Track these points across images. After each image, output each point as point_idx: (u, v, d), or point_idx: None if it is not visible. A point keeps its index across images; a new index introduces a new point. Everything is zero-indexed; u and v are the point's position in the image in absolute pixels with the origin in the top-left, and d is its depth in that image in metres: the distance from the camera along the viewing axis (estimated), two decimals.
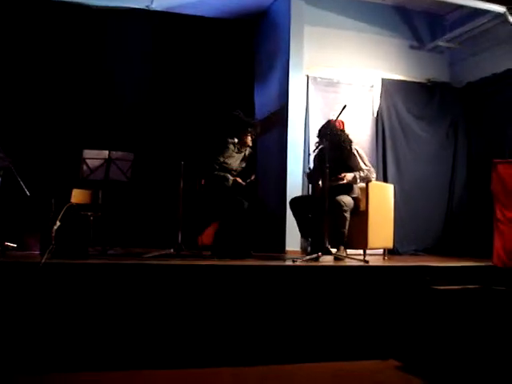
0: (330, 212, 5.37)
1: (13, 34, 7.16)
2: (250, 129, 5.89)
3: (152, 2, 7.49)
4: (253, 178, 5.85)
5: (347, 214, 5.52)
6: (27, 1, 7.13)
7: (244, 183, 5.76)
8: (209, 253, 5.74)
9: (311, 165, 6.32)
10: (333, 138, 5.57)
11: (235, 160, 5.88)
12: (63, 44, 7.35)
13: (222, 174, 5.75)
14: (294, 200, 5.87)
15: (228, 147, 5.85)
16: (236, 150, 5.90)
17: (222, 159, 5.79)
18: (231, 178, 5.74)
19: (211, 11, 7.79)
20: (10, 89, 7.09)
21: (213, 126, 6.63)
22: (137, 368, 3.84)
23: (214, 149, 5.88)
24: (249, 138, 5.94)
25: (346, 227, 5.54)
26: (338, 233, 5.53)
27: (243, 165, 5.97)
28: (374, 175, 5.86)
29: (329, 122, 5.62)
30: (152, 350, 3.93)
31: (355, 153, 5.72)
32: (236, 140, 5.90)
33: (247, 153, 6.07)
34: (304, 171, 6.92)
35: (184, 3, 7.60)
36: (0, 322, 3.69)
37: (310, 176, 6.01)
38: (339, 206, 5.46)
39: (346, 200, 5.55)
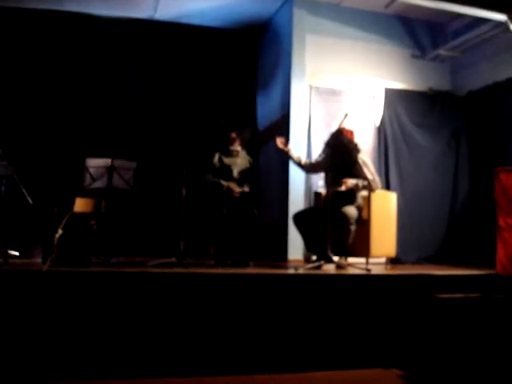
0: (335, 223, 5.38)
1: (17, 42, 7.21)
2: (234, 133, 5.98)
3: (155, 13, 7.53)
4: (246, 189, 5.89)
5: (352, 227, 5.54)
6: (31, 10, 7.16)
7: (237, 191, 5.80)
8: (213, 261, 5.76)
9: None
10: (341, 146, 5.59)
11: (236, 167, 5.96)
12: (67, 53, 7.40)
13: (217, 180, 5.84)
14: (297, 215, 5.87)
15: (216, 154, 6.01)
16: (229, 156, 6.01)
17: (217, 164, 5.89)
18: (225, 183, 5.81)
19: (214, 21, 7.83)
20: (14, 97, 7.13)
21: (214, 135, 6.64)
22: (140, 376, 3.83)
23: (209, 157, 5.99)
24: (236, 142, 6.05)
25: (351, 239, 5.55)
26: (342, 244, 5.53)
27: (242, 175, 6.03)
28: (379, 186, 5.85)
29: (339, 129, 5.62)
30: (154, 358, 3.92)
31: (360, 162, 5.72)
32: (230, 147, 6.03)
33: (247, 163, 6.12)
34: (306, 180, 6.93)
35: (187, 14, 7.63)
36: (2, 330, 3.69)
37: (310, 165, 6.03)
38: (345, 219, 5.46)
39: (351, 212, 5.55)
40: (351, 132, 5.84)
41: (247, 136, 6.13)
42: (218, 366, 4.01)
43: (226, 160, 6.03)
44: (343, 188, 5.55)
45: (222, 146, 6.08)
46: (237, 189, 5.85)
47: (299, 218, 5.82)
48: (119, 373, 3.82)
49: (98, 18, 7.44)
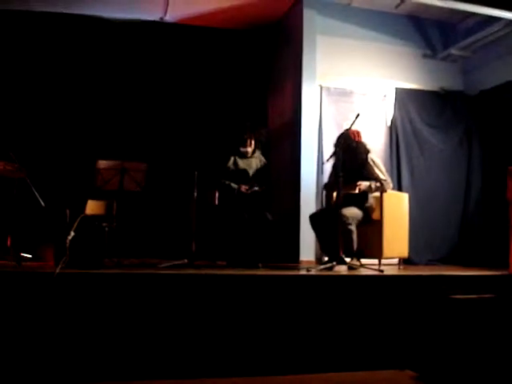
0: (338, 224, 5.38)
1: (28, 46, 7.24)
2: (249, 131, 5.99)
3: (165, 15, 7.54)
4: (256, 188, 5.87)
5: (352, 227, 5.48)
6: (41, 14, 7.18)
7: (248, 191, 5.80)
8: (224, 263, 5.76)
9: (326, 174, 6.31)
10: (350, 148, 5.58)
11: (251, 169, 5.96)
12: (77, 56, 7.42)
13: (228, 182, 5.84)
14: (313, 216, 5.85)
15: (231, 158, 6.00)
16: (244, 156, 6.01)
17: (232, 167, 5.88)
18: (235, 186, 5.81)
19: (224, 23, 7.82)
20: (25, 100, 7.16)
21: (226, 136, 6.64)
22: (152, 378, 3.83)
23: (225, 158, 5.98)
24: (252, 141, 6.05)
25: (354, 239, 5.50)
26: (346, 245, 5.51)
27: (258, 175, 6.03)
28: (391, 186, 5.83)
29: (346, 132, 5.60)
30: (167, 359, 3.92)
31: (371, 163, 5.69)
32: (241, 148, 6.01)
33: (261, 163, 6.11)
34: (318, 181, 6.92)
35: (197, 15, 7.63)
36: (14, 332, 3.70)
37: (328, 186, 6.02)
38: (342, 220, 5.42)
39: (350, 213, 5.49)
40: (358, 132, 5.80)
41: (263, 137, 6.12)
42: (229, 367, 4.00)
43: (241, 163, 6.02)
44: (356, 191, 5.53)
45: (237, 148, 6.06)
46: (247, 187, 5.83)
47: (315, 218, 5.80)
48: (132, 374, 3.82)
49: (109, 21, 7.45)
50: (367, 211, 5.71)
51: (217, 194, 6.02)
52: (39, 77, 7.29)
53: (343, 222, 5.43)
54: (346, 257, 5.46)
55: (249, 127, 6.04)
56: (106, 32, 7.49)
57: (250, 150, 6.07)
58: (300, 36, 7.21)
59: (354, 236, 5.50)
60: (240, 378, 3.94)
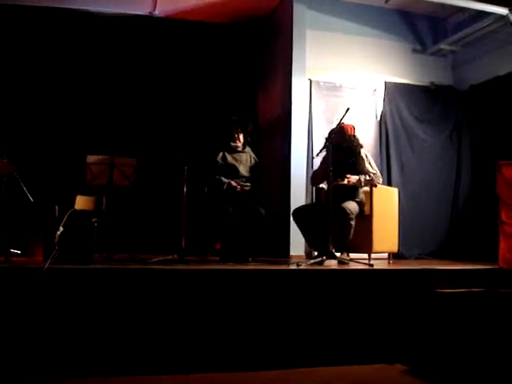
0: (335, 219, 5.37)
1: (17, 40, 7.18)
2: (236, 126, 6.00)
3: (155, 9, 7.50)
4: (247, 187, 5.86)
5: (353, 222, 5.53)
6: (30, 8, 7.12)
7: (239, 188, 5.79)
8: (216, 258, 5.75)
9: (315, 167, 6.32)
10: (344, 143, 5.60)
11: (241, 165, 5.94)
12: (66, 50, 7.36)
13: (218, 177, 5.82)
14: (297, 211, 5.86)
15: (220, 153, 5.99)
16: (234, 151, 6.00)
17: (220, 162, 5.86)
18: (226, 180, 5.80)
19: (214, 17, 7.79)
20: (13, 95, 7.10)
21: (216, 131, 6.63)
22: (141, 373, 3.82)
23: (215, 153, 5.97)
24: (240, 136, 6.03)
25: (351, 234, 5.54)
26: (343, 239, 5.53)
27: (248, 172, 6.01)
28: (381, 180, 5.86)
29: (340, 126, 5.60)
30: (156, 354, 3.91)
31: (363, 157, 5.72)
32: (231, 143, 6.01)
33: (252, 160, 6.10)
34: (308, 175, 6.91)
35: (186, 9, 7.59)
36: (3, 327, 3.68)
37: (313, 178, 6.01)
38: (345, 214, 5.46)
39: (352, 207, 5.55)
40: (352, 127, 5.84)
41: (250, 129, 6.11)
42: (219, 362, 4.00)
43: (230, 158, 5.99)
44: (345, 182, 5.55)
45: (226, 143, 6.05)
46: (238, 185, 5.83)
47: (299, 213, 5.81)
48: (120, 370, 3.81)
49: (97, 16, 7.38)
50: (360, 205, 5.74)
51: (206, 189, 6.01)
52: (28, 71, 7.22)
53: (345, 215, 5.46)
54: (336, 251, 5.47)
55: (235, 121, 6.02)
56: (96, 26, 7.42)
57: (239, 144, 6.06)
58: (290, 30, 7.20)
59: (352, 231, 5.53)
60: (229, 372, 3.94)
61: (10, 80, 7.13)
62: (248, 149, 6.17)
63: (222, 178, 5.85)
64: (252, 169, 6.06)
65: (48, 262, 3.97)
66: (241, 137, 6.06)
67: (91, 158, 5.56)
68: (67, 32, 7.35)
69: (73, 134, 7.22)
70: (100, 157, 5.60)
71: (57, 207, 4.93)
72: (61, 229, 4.43)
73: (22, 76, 7.19)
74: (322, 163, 5.90)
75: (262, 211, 5.68)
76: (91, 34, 7.43)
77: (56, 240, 4.36)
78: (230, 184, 5.80)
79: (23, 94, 7.17)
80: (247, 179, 5.95)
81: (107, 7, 7.39)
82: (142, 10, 7.54)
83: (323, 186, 5.93)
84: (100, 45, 7.49)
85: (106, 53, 7.53)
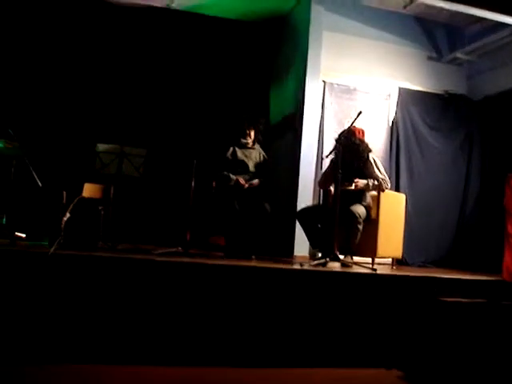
0: (343, 222, 5.37)
1: (30, 27, 7.20)
2: (248, 123, 6.03)
3: (173, 1, 7.51)
4: (255, 182, 5.88)
5: (361, 226, 5.53)
6: None
7: (245, 185, 5.81)
8: (221, 253, 5.76)
9: (324, 169, 6.32)
10: (352, 146, 5.59)
11: (250, 161, 5.96)
12: (80, 39, 7.37)
13: (226, 173, 5.84)
14: (302, 212, 5.87)
15: (230, 148, 6.01)
16: (244, 147, 6.02)
17: (230, 157, 5.88)
18: (234, 177, 5.81)
19: (231, 13, 7.79)
20: (27, 81, 7.12)
21: (227, 126, 6.64)
22: (140, 363, 3.84)
23: (225, 148, 5.98)
24: (251, 133, 6.06)
25: (358, 238, 5.54)
26: (349, 243, 5.52)
27: (257, 168, 6.04)
28: (389, 185, 5.84)
29: (350, 128, 5.60)
30: (155, 345, 3.93)
31: (372, 161, 5.71)
32: (241, 139, 6.02)
33: (261, 156, 6.12)
34: (316, 176, 6.91)
35: (204, 4, 7.60)
36: (7, 311, 3.71)
37: (322, 182, 6.01)
38: (354, 218, 5.46)
39: (361, 211, 5.55)
40: (362, 131, 5.83)
41: (261, 126, 6.13)
42: (216, 357, 4.01)
43: (240, 153, 6.02)
44: (353, 187, 5.55)
45: (237, 139, 6.06)
46: (245, 182, 5.85)
47: (303, 214, 5.83)
48: (118, 358, 3.83)
49: (113, 5, 7.39)
50: (367, 209, 5.73)
51: (214, 184, 6.04)
52: (42, 60, 7.23)
53: (353, 219, 5.46)
54: (343, 253, 5.48)
55: (246, 119, 6.04)
56: (111, 16, 7.41)
57: (249, 141, 6.08)
58: (306, 31, 7.18)
59: (359, 235, 5.53)
60: (225, 367, 3.95)
61: (24, 68, 7.15)
62: (258, 146, 6.20)
63: (230, 175, 5.87)
64: (261, 165, 6.09)
65: (53, 248, 3.99)
66: (252, 134, 6.09)
67: (101, 147, 5.57)
68: (82, 21, 7.35)
69: (84, 121, 7.24)
70: (110, 146, 5.61)
71: (65, 193, 4.96)
72: (67, 215, 4.46)
73: (36, 64, 7.20)
74: (329, 167, 5.90)
75: (267, 207, 5.70)
76: (106, 23, 7.43)
77: (62, 226, 4.38)
78: (238, 181, 5.82)
79: (37, 80, 7.19)
80: (256, 175, 5.97)
81: None
82: (159, 1, 7.55)
83: (331, 188, 5.92)
84: (114, 35, 7.49)
85: (120, 43, 7.52)
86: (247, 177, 5.93)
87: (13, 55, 7.11)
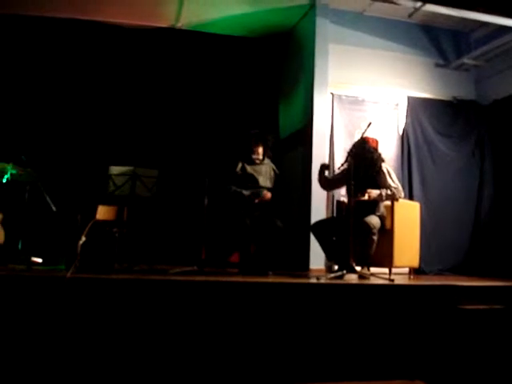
0: (357, 233, 5.35)
1: (41, 51, 7.30)
2: (256, 139, 6.00)
3: (178, 22, 7.57)
4: (267, 197, 5.87)
5: (375, 237, 5.50)
6: (57, 20, 7.24)
7: (257, 200, 5.80)
8: (236, 270, 5.75)
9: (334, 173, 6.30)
10: (365, 154, 5.58)
11: (260, 176, 5.95)
12: (90, 62, 7.47)
13: (239, 190, 5.84)
14: (316, 225, 5.85)
15: (239, 163, 5.99)
16: (253, 163, 6.01)
17: (239, 172, 5.89)
18: (247, 192, 5.81)
19: (237, 30, 7.85)
20: (39, 105, 7.21)
21: (237, 143, 6.65)
22: None
23: (233, 166, 5.99)
24: (260, 149, 6.03)
25: (373, 249, 5.51)
26: (364, 254, 5.50)
27: (268, 183, 6.02)
28: (402, 194, 5.81)
29: (363, 139, 5.60)
30: (174, 366, 3.91)
31: (385, 171, 5.70)
32: (251, 155, 6.02)
33: (271, 171, 6.11)
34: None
35: (210, 22, 7.66)
36: (25, 336, 3.71)
37: (327, 185, 5.99)
38: (368, 229, 5.43)
39: (375, 221, 5.52)
40: (376, 141, 5.83)
41: (270, 143, 6.12)
42: (240, 375, 3.99)
43: (249, 168, 6.01)
44: (366, 197, 5.53)
45: (246, 155, 6.07)
46: (256, 198, 5.84)
47: (318, 227, 5.80)
48: (140, 381, 3.82)
49: (124, 28, 7.48)
50: (381, 220, 5.71)
51: (225, 201, 6.03)
52: (54, 82, 7.34)
53: (368, 230, 5.43)
54: (357, 265, 5.45)
55: (255, 135, 6.04)
56: (120, 38, 7.54)
57: (259, 157, 6.07)
58: (312, 44, 7.22)
59: (374, 246, 5.51)
60: None
61: (37, 90, 7.24)
62: (268, 161, 6.17)
63: (243, 191, 5.85)
64: (271, 180, 6.08)
65: (70, 271, 4.00)
66: (260, 150, 6.06)
67: (114, 169, 5.60)
68: (94, 44, 7.47)
69: (96, 144, 7.30)
70: (123, 168, 5.64)
71: (79, 217, 4.98)
72: (83, 238, 4.47)
73: (48, 87, 7.31)
74: (340, 173, 5.86)
75: (279, 224, 5.67)
76: (117, 46, 7.55)
77: (78, 249, 4.40)
78: (250, 196, 5.81)
79: (49, 105, 7.27)
80: (265, 190, 5.96)
81: (133, 20, 7.48)
82: (165, 22, 7.62)
83: (344, 199, 5.91)
84: (124, 57, 7.60)
85: (130, 65, 7.63)
86: (258, 191, 5.92)
87: (26, 80, 7.20)
